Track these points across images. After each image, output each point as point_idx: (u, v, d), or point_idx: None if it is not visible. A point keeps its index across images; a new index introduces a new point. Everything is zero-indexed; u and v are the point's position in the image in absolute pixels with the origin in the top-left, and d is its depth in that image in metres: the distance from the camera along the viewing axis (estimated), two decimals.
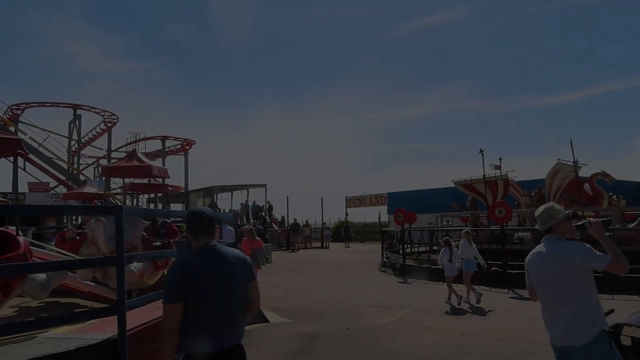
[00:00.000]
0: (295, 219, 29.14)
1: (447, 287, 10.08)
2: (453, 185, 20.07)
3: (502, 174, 18.07)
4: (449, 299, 9.95)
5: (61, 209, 11.62)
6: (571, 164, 17.25)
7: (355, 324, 8.18)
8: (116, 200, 29.98)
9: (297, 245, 28.24)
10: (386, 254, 18.10)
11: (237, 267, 2.77)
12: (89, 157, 39.03)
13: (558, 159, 17.36)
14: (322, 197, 38.13)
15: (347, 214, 41.38)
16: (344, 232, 34.17)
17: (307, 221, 34.14)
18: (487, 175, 17.92)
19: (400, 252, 16.48)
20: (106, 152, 36.27)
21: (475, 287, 10.28)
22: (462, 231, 10.76)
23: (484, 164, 17.48)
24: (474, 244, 10.41)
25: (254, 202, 34.71)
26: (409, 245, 17.02)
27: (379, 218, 30.90)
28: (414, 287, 12.51)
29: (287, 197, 31.26)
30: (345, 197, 42.67)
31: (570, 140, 17.52)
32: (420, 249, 17.06)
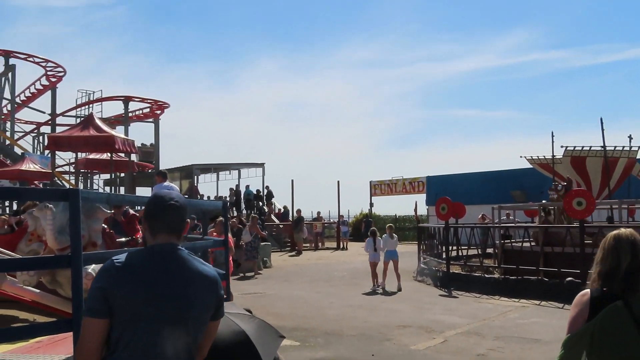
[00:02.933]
0: (299, 211, 29.24)
1: (371, 273, 15.13)
2: (515, 166, 20.06)
3: (629, 147, 17.78)
4: (374, 285, 14.94)
5: (2, 192, 11.79)
6: (599, 148, 17.38)
7: (383, 349, 8.33)
8: (65, 182, 30.40)
9: (299, 246, 28.27)
10: (424, 258, 18.21)
11: (197, 291, 2.52)
12: (26, 122, 39.50)
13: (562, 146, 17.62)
14: (338, 182, 38.13)
15: (371, 204, 41.59)
16: (364, 228, 34.32)
17: (318, 213, 34.34)
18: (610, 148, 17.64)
19: (444, 255, 16.58)
20: (49, 117, 36.63)
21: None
22: (387, 225, 16.03)
23: (603, 131, 17.08)
24: (396, 237, 15.95)
25: (247, 186, 34.92)
26: (454, 247, 17.11)
27: (415, 210, 30.80)
28: (460, 303, 12.63)
29: (292, 180, 31.36)
30: (370, 182, 42.82)
31: (600, 119, 17.26)
32: (470, 252, 17.13)
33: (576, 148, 18.67)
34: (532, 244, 15.26)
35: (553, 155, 18.54)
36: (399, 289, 14.43)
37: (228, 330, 3.73)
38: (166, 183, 11.20)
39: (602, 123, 17.02)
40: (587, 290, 2.82)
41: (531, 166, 22.00)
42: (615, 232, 2.93)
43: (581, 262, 12.54)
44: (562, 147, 19.21)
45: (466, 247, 16.75)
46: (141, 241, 8.20)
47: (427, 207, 37.08)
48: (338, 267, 20.76)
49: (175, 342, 2.45)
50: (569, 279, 12.57)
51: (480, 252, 16.88)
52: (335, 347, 8.41)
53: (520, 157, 19.64)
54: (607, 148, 17.88)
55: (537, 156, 20.07)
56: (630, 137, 17.96)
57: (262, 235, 19.49)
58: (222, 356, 3.64)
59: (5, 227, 10.92)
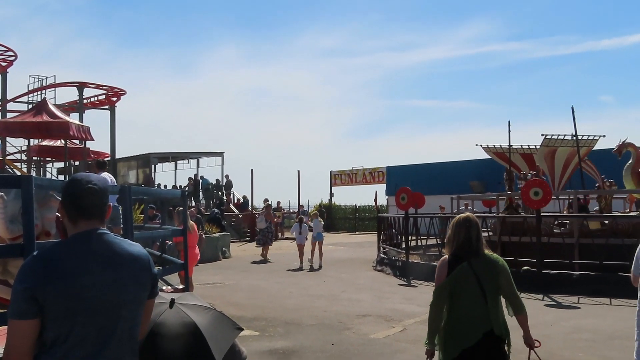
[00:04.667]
0: (266, 200, 29.16)
1: (299, 254, 17.93)
2: (474, 157, 20.40)
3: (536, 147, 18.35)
4: (301, 263, 17.61)
5: None
6: (569, 137, 17.90)
7: (343, 338, 8.39)
8: (16, 170, 29.65)
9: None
10: (384, 248, 18.38)
11: (132, 273, 2.48)
12: None
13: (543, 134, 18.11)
14: (298, 172, 38.17)
15: (331, 194, 41.74)
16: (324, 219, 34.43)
17: (278, 203, 34.33)
18: (519, 146, 18.27)
19: (403, 245, 16.76)
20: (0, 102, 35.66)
21: None
22: (311, 212, 19.26)
23: (574, 120, 17.42)
24: (322, 222, 19.66)
25: (202, 177, 34.64)
26: (414, 237, 17.30)
27: (375, 200, 31.11)
28: (420, 292, 12.77)
29: (252, 170, 31.22)
30: (330, 172, 42.92)
31: (572, 107, 17.88)
32: (430, 242, 17.34)
33: (553, 137, 19.10)
34: (490, 233, 15.52)
35: (510, 145, 18.87)
36: (320, 267, 17.57)
37: (178, 321, 3.70)
38: (104, 174, 10.95)
39: (573, 112, 17.39)
40: (446, 256, 4.29)
41: (489, 157, 22.36)
42: (464, 214, 4.38)
43: (538, 251, 12.84)
44: (476, 145, 19.79)
45: (425, 237, 16.95)
46: None
47: (387, 197, 37.43)
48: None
49: (116, 328, 2.40)
50: (525, 267, 12.84)
51: (439, 242, 17.10)
52: (295, 337, 8.44)
53: (476, 145, 19.91)
54: (514, 146, 18.47)
55: (494, 145, 20.37)
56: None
57: (274, 222, 21.47)
58: (170, 347, 3.62)
59: None
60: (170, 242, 10.30)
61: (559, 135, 18.77)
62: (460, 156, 31.68)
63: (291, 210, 36.89)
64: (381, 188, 38.63)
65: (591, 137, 19.12)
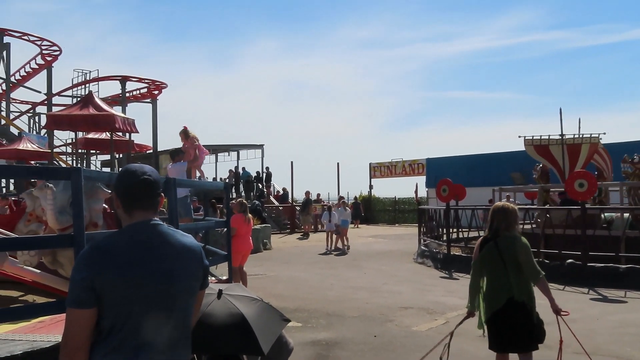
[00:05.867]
0: (307, 193, 29.28)
1: (326, 239, 20.73)
2: (516, 149, 20.06)
3: (590, 135, 18.02)
4: (327, 247, 20.18)
5: (3, 171, 11.75)
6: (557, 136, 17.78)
7: (385, 330, 8.38)
8: (62, 162, 30.36)
9: (307, 228, 28.39)
10: (424, 241, 18.27)
11: (185, 264, 2.51)
12: (22, 102, 39.38)
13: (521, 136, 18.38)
14: (338, 164, 38.17)
15: (371, 187, 41.60)
16: (361, 210, 34.26)
17: (318, 195, 34.36)
18: (570, 136, 17.89)
19: (444, 237, 16.63)
20: (45, 97, 36.47)
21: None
22: (341, 200, 23.30)
23: (562, 121, 17.47)
24: (348, 209, 22.26)
25: (244, 168, 34.91)
26: (455, 230, 17.16)
27: (416, 192, 30.91)
28: (461, 284, 12.64)
29: (292, 162, 31.32)
30: (369, 164, 42.77)
31: (560, 109, 18.21)
32: (471, 235, 17.17)
33: (535, 137, 18.90)
34: (533, 226, 15.29)
35: (562, 135, 18.46)
36: (347, 250, 19.98)
37: (226, 312, 3.74)
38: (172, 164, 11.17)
39: (560, 113, 17.67)
40: (481, 237, 5.39)
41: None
42: (500, 203, 5.40)
43: (582, 244, 12.59)
44: (519, 137, 19.42)
45: (467, 229, 16.79)
46: None
47: (427, 189, 37.12)
48: (338, 248, 20.85)
49: (170, 318, 2.43)
50: (570, 261, 12.61)
51: (481, 235, 16.86)
52: (337, 329, 8.46)
53: (519, 137, 19.49)
54: (567, 136, 18.08)
55: (540, 136, 19.97)
56: (579, 120, 18.38)
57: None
58: (218, 338, 3.65)
59: (6, 207, 10.93)
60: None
61: (541, 135, 18.78)
62: (501, 147, 31.24)
63: (330, 203, 36.92)
64: (421, 180, 38.32)
65: (595, 135, 18.60)
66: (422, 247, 17.72)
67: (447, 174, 22.81)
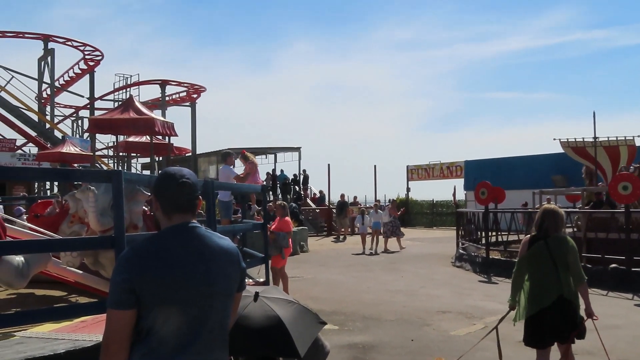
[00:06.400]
0: (342, 195, 29.28)
1: (361, 241, 21.07)
2: (556, 150, 19.71)
3: (625, 137, 17.66)
4: (364, 250, 20.54)
5: (45, 174, 12.10)
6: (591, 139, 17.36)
7: (422, 334, 8.31)
8: (103, 165, 30.92)
9: (345, 230, 28.35)
10: (463, 244, 18.08)
11: (222, 266, 2.53)
12: (65, 106, 40.22)
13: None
14: (375, 166, 38.09)
15: (408, 189, 41.37)
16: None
17: (355, 198, 34.31)
18: (604, 138, 17.57)
19: (483, 241, 16.42)
20: (88, 101, 37.19)
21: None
22: (374, 204, 25.00)
23: (595, 123, 17.21)
24: (381, 212, 22.53)
25: (282, 171, 35.04)
26: (494, 233, 16.93)
27: (454, 195, 30.63)
28: (501, 289, 12.48)
29: (328, 165, 31.39)
30: (407, 167, 42.56)
31: (594, 113, 17.99)
32: (511, 238, 16.94)
33: (570, 139, 18.54)
34: (575, 229, 15.00)
35: (595, 138, 18.12)
36: (376, 252, 20.51)
37: (262, 314, 3.75)
38: (224, 167, 11.41)
39: (594, 116, 17.46)
40: (528, 235, 5.62)
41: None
42: (549, 205, 5.78)
43: (626, 248, 12.30)
44: (554, 139, 19.06)
45: (506, 233, 16.56)
46: None
47: (465, 192, 36.69)
48: (376, 253, 20.79)
49: (207, 320, 2.45)
50: (613, 265, 12.33)
51: (520, 238, 16.64)
52: (374, 332, 8.42)
53: (554, 139, 19.16)
54: (601, 138, 17.73)
55: (574, 139, 19.58)
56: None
57: (396, 215, 22.44)
58: (254, 340, 3.66)
59: (57, 209, 11.15)
60: (281, 232, 10.48)
61: (576, 138, 18.41)
62: (541, 149, 30.71)
63: (367, 205, 36.83)
64: (459, 183, 37.92)
65: (629, 137, 18.20)
66: (460, 251, 17.54)
67: (485, 176, 22.59)
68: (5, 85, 30.14)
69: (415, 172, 42.16)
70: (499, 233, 17.06)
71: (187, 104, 40.15)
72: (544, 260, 5.20)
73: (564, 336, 5.19)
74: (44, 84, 34.71)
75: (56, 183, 29.38)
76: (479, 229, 17.69)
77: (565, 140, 18.93)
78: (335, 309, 9.98)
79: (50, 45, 34.15)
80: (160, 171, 3.62)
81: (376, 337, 8.08)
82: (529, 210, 18.22)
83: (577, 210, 16.83)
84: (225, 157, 11.34)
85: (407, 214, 37.14)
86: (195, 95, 39.76)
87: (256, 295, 3.84)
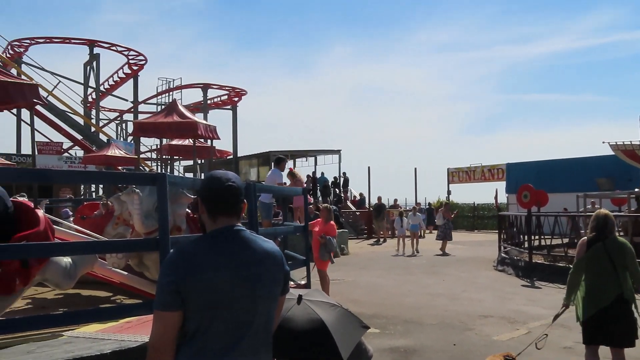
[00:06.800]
0: (379, 198, 29.19)
1: (397, 242, 21.90)
2: (602, 153, 19.32)
3: None
4: (399, 251, 21.25)
5: (93, 176, 12.40)
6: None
7: (464, 338, 8.21)
8: (147, 168, 31.41)
9: (384, 233, 28.26)
10: (505, 248, 17.83)
11: (267, 269, 2.54)
12: (110, 110, 41.02)
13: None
14: (415, 169, 37.87)
15: (449, 192, 41.04)
16: (434, 216, 33.76)
17: (395, 201, 34.15)
18: None
19: (526, 245, 16.17)
20: (132, 104, 37.87)
21: None
22: (413, 207, 26.06)
23: None
24: (419, 214, 24.08)
25: (322, 173, 35.10)
26: (537, 237, 16.66)
27: (496, 198, 30.30)
28: (544, 293, 12.30)
29: (368, 167, 31.27)
30: (447, 169, 42.23)
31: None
32: (554, 242, 16.64)
33: (619, 142, 18.08)
34: (621, 234, 14.65)
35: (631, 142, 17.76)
36: (415, 253, 21.02)
37: (305, 317, 3.74)
38: (275, 170, 11.59)
39: None
40: (585, 237, 5.67)
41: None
42: (603, 211, 5.77)
43: None
44: (603, 142, 18.64)
45: (549, 237, 16.29)
46: None
47: (506, 195, 36.21)
48: (415, 256, 20.67)
49: (252, 322, 2.46)
50: None
51: (564, 242, 16.38)
52: (416, 336, 8.36)
53: (603, 142, 18.78)
54: None
55: (623, 142, 19.16)
56: None
57: (450, 218, 22.46)
58: (297, 343, 3.66)
59: (104, 211, 11.39)
60: (329, 237, 10.51)
61: (624, 141, 17.95)
62: (585, 152, 30.11)
63: (407, 208, 36.64)
64: (501, 185, 37.50)
65: None
66: (503, 255, 17.31)
67: (528, 179, 22.26)
68: (53, 90, 30.84)
69: (456, 175, 41.81)
70: (542, 237, 16.78)
71: (229, 107, 40.60)
72: (603, 262, 5.35)
73: (621, 341, 5.31)
74: (89, 88, 35.45)
75: (101, 185, 29.99)
76: (522, 232, 17.42)
77: (615, 143, 18.56)
78: (376, 312, 9.94)
79: (96, 50, 34.85)
80: (205, 174, 3.68)
81: (418, 341, 8.02)
82: (573, 214, 17.91)
83: (624, 214, 16.45)
84: (278, 161, 11.57)
85: (430, 215, 36.86)
86: (236, 99, 40.16)
87: (299, 298, 3.84)
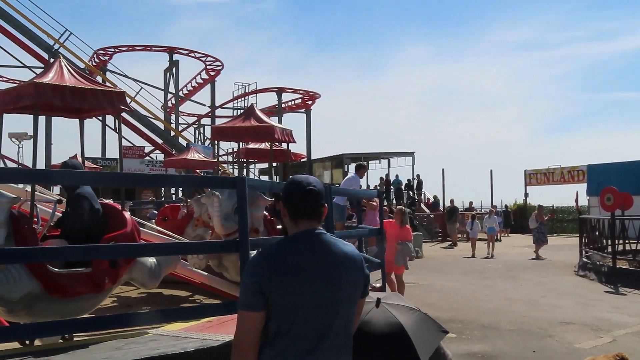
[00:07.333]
0: (452, 201, 28.80)
1: (471, 245, 21.89)
2: None
3: None
4: (473, 254, 21.16)
5: (178, 180, 12.86)
6: None
7: (544, 345, 8.01)
8: (224, 170, 32.07)
9: (453, 237, 27.84)
10: (586, 252, 17.24)
11: (347, 272, 2.56)
12: (188, 114, 42.13)
13: None
14: (491, 171, 37.12)
15: (526, 194, 39.99)
16: (511, 219, 32.94)
17: (470, 203, 33.63)
18: None
19: (609, 249, 15.59)
20: (209, 109, 38.77)
21: None
22: (489, 210, 25.68)
23: None
24: (495, 217, 23.72)
25: (397, 176, 34.92)
26: (621, 241, 16.03)
27: (576, 201, 29.27)
28: (629, 300, 11.83)
29: (443, 169, 30.92)
30: (525, 171, 41.17)
31: None
32: None
33: None
34: None
35: None
36: (492, 255, 20.97)
37: (384, 321, 3.74)
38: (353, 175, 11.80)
39: None
40: None
41: None
42: None
43: None
44: None
45: (635, 241, 15.65)
46: None
47: (587, 197, 34.96)
48: (492, 259, 20.30)
49: (333, 324, 2.48)
50: None
51: None
52: (493, 341, 8.21)
53: None
54: None
55: None
56: None
57: (543, 221, 22.23)
58: (376, 347, 3.67)
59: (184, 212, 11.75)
60: (406, 242, 10.51)
61: None
62: None
63: (483, 211, 35.97)
64: (581, 188, 36.23)
65: None
66: (584, 259, 16.74)
67: (610, 181, 21.40)
68: (135, 96, 31.99)
69: (534, 177, 40.65)
70: (627, 241, 16.13)
71: (302, 110, 40.97)
72: None
73: None
74: (169, 94, 36.53)
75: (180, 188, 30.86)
76: (605, 236, 16.81)
77: None
78: (452, 317, 9.82)
79: (175, 57, 35.84)
80: (280, 177, 3.74)
81: (495, 347, 7.88)
82: None
83: None
84: (358, 167, 11.77)
85: (525, 220, 35.92)
86: (310, 102, 40.48)
87: (378, 301, 3.85)
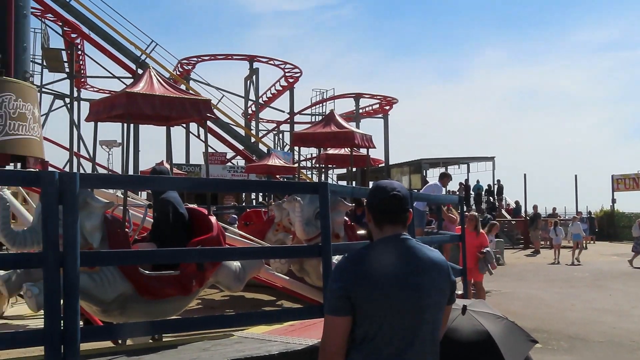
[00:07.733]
0: (535, 207, 27.98)
1: (555, 252, 21.63)
2: None
3: None
4: (557, 261, 21.00)
5: (263, 185, 13.22)
6: None
7: (637, 358, 7.70)
8: (303, 176, 32.38)
9: (536, 245, 26.99)
10: None
11: (432, 278, 2.53)
12: (268, 121, 42.80)
13: None
14: (575, 176, 35.84)
15: (614, 200, 38.39)
16: (596, 226, 31.58)
17: (554, 209, 32.62)
18: None
19: None
20: (288, 116, 39.26)
21: None
22: (574, 216, 26.06)
23: None
24: (578, 223, 22.98)
25: (478, 181, 34.27)
26: None
27: None
28: None
29: (524, 175, 30.11)
30: (612, 176, 39.56)
31: None
32: None
33: None
34: None
35: None
36: (576, 262, 20.64)
37: (471, 328, 3.69)
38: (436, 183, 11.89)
39: None
40: None
41: None
42: None
43: None
44: None
45: None
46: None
47: None
48: (577, 267, 19.60)
49: (419, 330, 2.46)
50: None
51: None
52: (581, 353, 7.95)
53: None
54: None
55: None
56: None
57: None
58: (463, 354, 3.61)
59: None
60: (488, 248, 10.37)
61: None
62: None
63: (567, 217, 34.78)
64: None
65: None
66: None
67: None
68: (217, 104, 32.80)
69: (622, 182, 38.98)
70: None
71: (380, 115, 40.89)
72: None
73: None
74: (249, 101, 37.20)
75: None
76: None
77: None
78: (537, 326, 9.54)
79: (255, 65, 36.53)
80: (372, 184, 3.75)
81: (583, 359, 7.62)
82: None
83: None
84: (442, 176, 11.94)
85: (612, 227, 34.51)
86: (387, 107, 40.37)
87: (464, 308, 3.80)
